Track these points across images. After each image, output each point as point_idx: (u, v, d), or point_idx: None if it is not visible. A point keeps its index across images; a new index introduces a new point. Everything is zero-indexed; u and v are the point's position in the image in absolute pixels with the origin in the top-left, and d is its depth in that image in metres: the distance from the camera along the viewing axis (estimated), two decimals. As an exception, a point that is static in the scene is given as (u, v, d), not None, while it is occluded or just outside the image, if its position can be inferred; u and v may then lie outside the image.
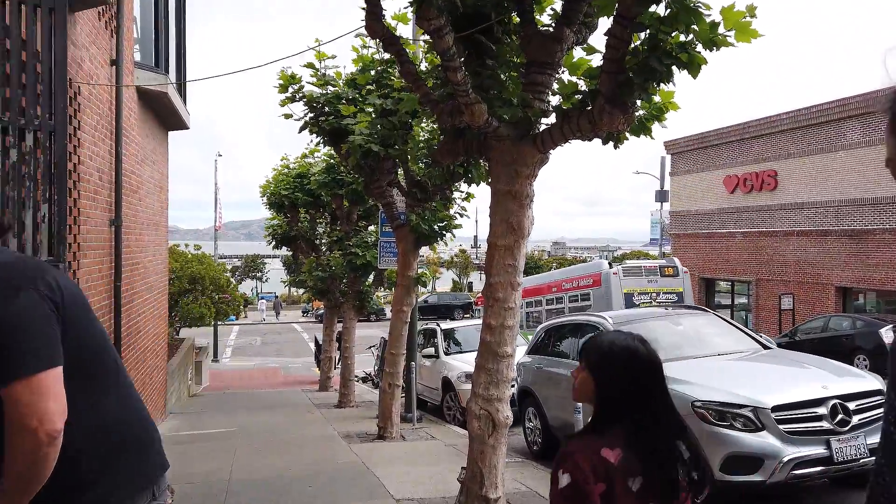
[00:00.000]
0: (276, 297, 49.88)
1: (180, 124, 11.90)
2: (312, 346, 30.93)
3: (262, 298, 53.47)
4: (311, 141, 8.65)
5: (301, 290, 52.22)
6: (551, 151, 4.64)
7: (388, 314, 42.34)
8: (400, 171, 8.83)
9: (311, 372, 24.36)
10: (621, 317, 8.02)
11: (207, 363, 23.36)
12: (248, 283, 53.35)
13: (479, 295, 30.66)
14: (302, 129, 8.65)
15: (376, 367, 20.71)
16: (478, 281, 61.30)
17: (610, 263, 17.74)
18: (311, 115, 8.59)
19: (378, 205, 13.38)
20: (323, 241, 14.82)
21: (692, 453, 1.75)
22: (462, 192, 8.97)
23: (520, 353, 7.20)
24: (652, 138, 4.68)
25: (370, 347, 19.63)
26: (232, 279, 23.89)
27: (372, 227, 13.16)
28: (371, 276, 13.57)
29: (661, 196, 35.01)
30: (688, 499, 1.73)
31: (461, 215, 9.02)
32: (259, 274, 53.52)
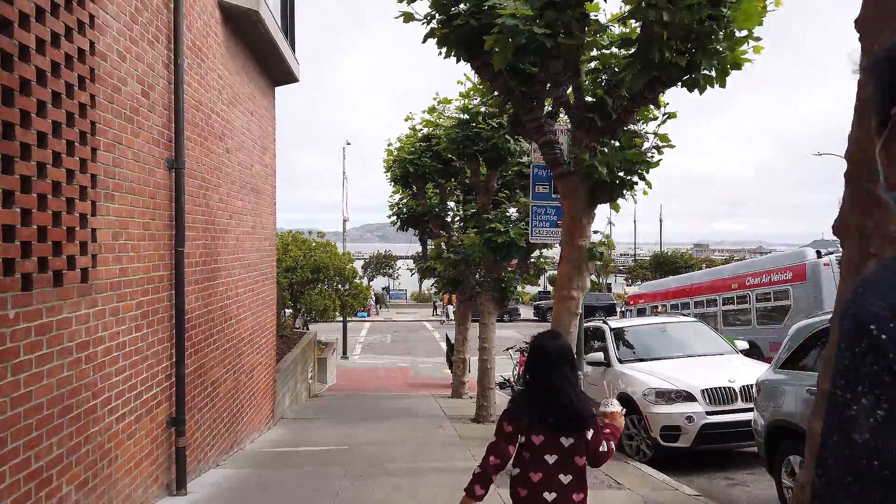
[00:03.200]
0: (383, 289, 48.61)
1: (286, 72, 9.87)
2: (444, 345, 28.95)
3: (393, 296, 52.68)
4: (440, 53, 6.10)
5: (429, 283, 50.78)
6: None
7: (523, 313, 39.57)
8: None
9: (443, 373, 22.13)
10: None
11: (335, 360, 21.83)
12: (380, 281, 52.77)
13: (629, 295, 26.95)
14: (427, 37, 6.11)
15: (515, 373, 18.06)
16: (615, 282, 56.64)
17: (818, 252, 13.70)
18: (440, 14, 6.03)
19: (523, 170, 10.68)
20: (455, 217, 12.29)
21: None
22: (657, 115, 6.00)
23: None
24: None
25: (508, 349, 16.93)
26: (358, 270, 22.19)
27: (519, 201, 10.37)
28: (515, 260, 10.85)
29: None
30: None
31: (659, 149, 6.05)
32: (390, 271, 52.68)
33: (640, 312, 22.65)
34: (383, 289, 53.47)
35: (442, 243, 11.79)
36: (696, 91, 5.05)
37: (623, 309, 26.10)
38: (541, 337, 3.16)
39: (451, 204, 12.39)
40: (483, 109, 9.72)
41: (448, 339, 21.31)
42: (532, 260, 11.25)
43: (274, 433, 9.61)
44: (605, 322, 10.18)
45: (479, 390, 11.09)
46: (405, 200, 13.18)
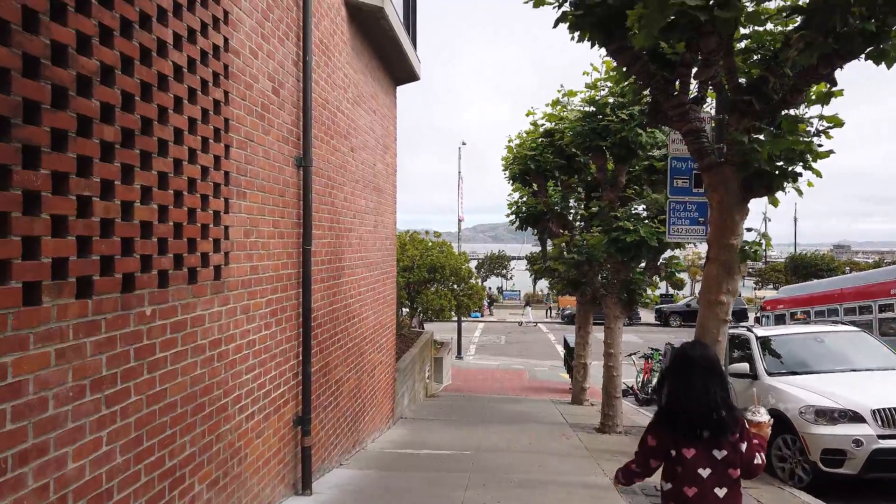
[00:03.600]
0: (497, 290, 47.98)
1: (407, 70, 9.80)
2: (560, 348, 28.18)
3: (506, 297, 52.27)
4: (573, 38, 5.66)
5: (544, 285, 49.80)
6: None
7: (643, 317, 37.73)
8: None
9: (559, 378, 21.48)
10: None
11: (450, 360, 21.82)
12: (493, 281, 52.57)
13: (766, 300, 24.89)
14: (558, 21, 5.69)
15: (639, 380, 17.13)
16: (742, 285, 52.71)
17: None
18: (573, -3, 5.59)
19: (654, 164, 9.95)
20: (578, 215, 11.71)
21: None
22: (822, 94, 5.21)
23: None
24: None
25: (630, 355, 16.06)
26: (473, 270, 22.02)
27: (650, 197, 9.66)
28: (643, 262, 10.15)
29: None
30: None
31: (826, 133, 5.26)
32: (504, 271, 52.37)
33: (779, 319, 20.78)
34: (497, 289, 53.25)
35: (564, 243, 11.27)
36: (882, 64, 4.28)
37: (759, 315, 24.15)
38: (687, 347, 3.09)
39: (573, 202, 11.80)
40: (611, 101, 9.14)
41: (566, 343, 20.61)
42: (662, 261, 10.47)
43: (394, 433, 9.57)
44: (749, 329, 9.24)
45: (604, 398, 10.48)
46: (524, 199, 12.77)
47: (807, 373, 7.74)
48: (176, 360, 3.49)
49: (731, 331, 10.90)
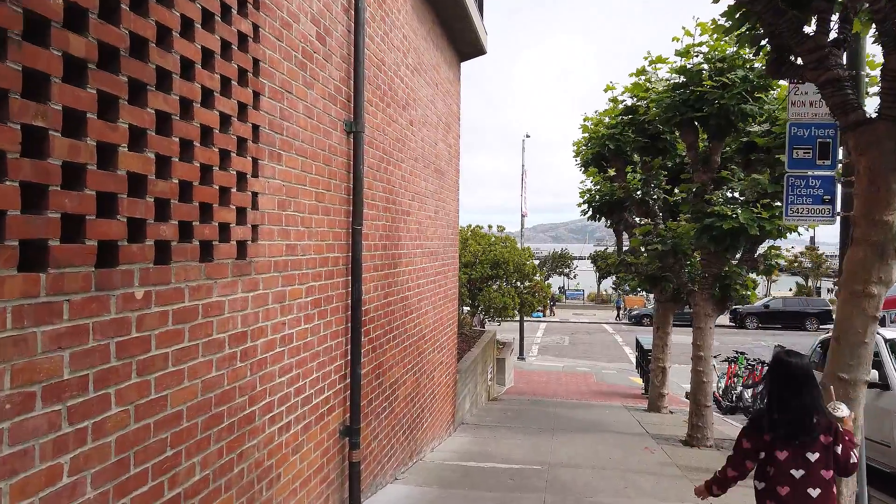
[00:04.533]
0: (559, 289, 46.31)
1: (473, 42, 8.89)
2: (629, 350, 26.70)
3: (569, 296, 50.75)
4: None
5: (608, 285, 47.86)
6: None
7: (718, 319, 35.86)
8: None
9: (630, 381, 20.16)
10: None
11: (512, 361, 20.82)
12: (555, 280, 51.07)
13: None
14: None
15: (721, 386, 15.68)
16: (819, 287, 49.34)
17: None
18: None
19: (754, 140, 8.66)
20: (660, 201, 10.48)
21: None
22: None
23: None
24: None
25: (726, 359, 14.66)
26: (538, 266, 20.91)
27: (754, 178, 8.40)
28: (739, 252, 8.90)
29: None
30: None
31: None
32: (567, 270, 50.71)
33: None
34: (559, 289, 51.77)
35: (645, 233, 10.10)
36: None
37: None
38: (785, 354, 3.20)
39: (655, 188, 10.57)
40: (705, 68, 7.94)
41: (638, 344, 19.28)
42: (760, 253, 9.17)
43: (455, 441, 8.68)
44: (878, 333, 7.86)
45: (691, 407, 9.28)
46: (598, 186, 11.62)
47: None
48: (181, 358, 2.69)
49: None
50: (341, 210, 4.64)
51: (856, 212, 4.44)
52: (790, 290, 47.35)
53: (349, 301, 4.76)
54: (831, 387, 4.37)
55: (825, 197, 5.86)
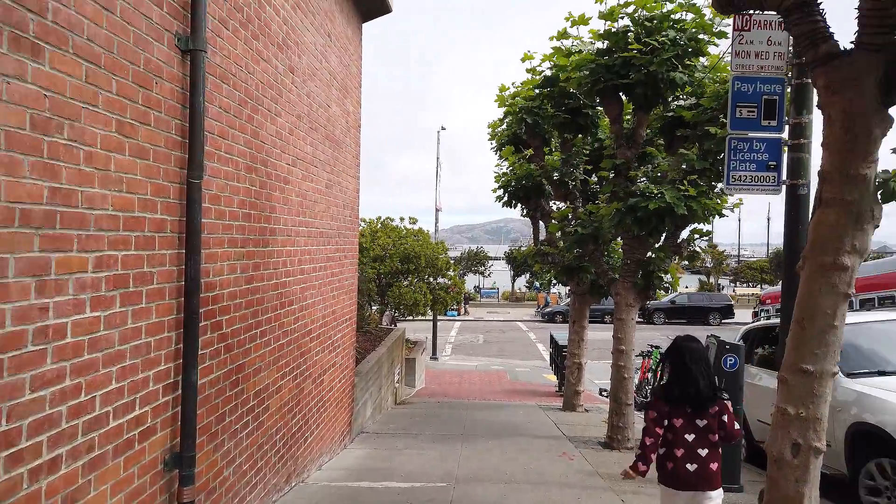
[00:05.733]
0: (474, 288, 45.92)
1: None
2: (542, 348, 26.28)
3: (484, 295, 50.46)
4: None
5: (522, 283, 47.83)
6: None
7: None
8: None
9: (543, 379, 19.58)
10: None
11: (424, 360, 19.78)
12: (470, 279, 50.57)
13: (766, 293, 23.38)
14: None
15: (635, 382, 15.23)
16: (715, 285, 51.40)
17: None
18: None
19: (680, 113, 7.96)
20: (580, 183, 9.64)
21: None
22: None
23: None
24: None
25: (640, 354, 14.15)
26: (452, 261, 19.93)
27: (682, 154, 7.67)
28: (663, 236, 8.19)
29: None
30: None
31: None
32: (482, 269, 50.27)
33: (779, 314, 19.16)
34: (475, 287, 51.35)
35: (565, 216, 9.25)
36: None
37: (758, 309, 22.58)
38: (682, 339, 3.85)
39: (576, 167, 9.71)
40: (632, 30, 7.13)
41: (553, 340, 18.69)
42: (683, 237, 8.51)
43: (350, 455, 7.47)
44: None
45: (612, 406, 8.51)
46: (513, 169, 10.70)
47: (897, 375, 5.83)
48: None
49: (773, 321, 9.03)
50: (170, 156, 3.35)
51: (826, 167, 3.61)
52: (686, 287, 48.83)
53: (182, 283, 3.48)
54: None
55: (770, 163, 5.12)
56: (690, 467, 3.56)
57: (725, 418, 3.64)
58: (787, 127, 5.25)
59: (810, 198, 5.12)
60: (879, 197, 3.52)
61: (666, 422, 3.65)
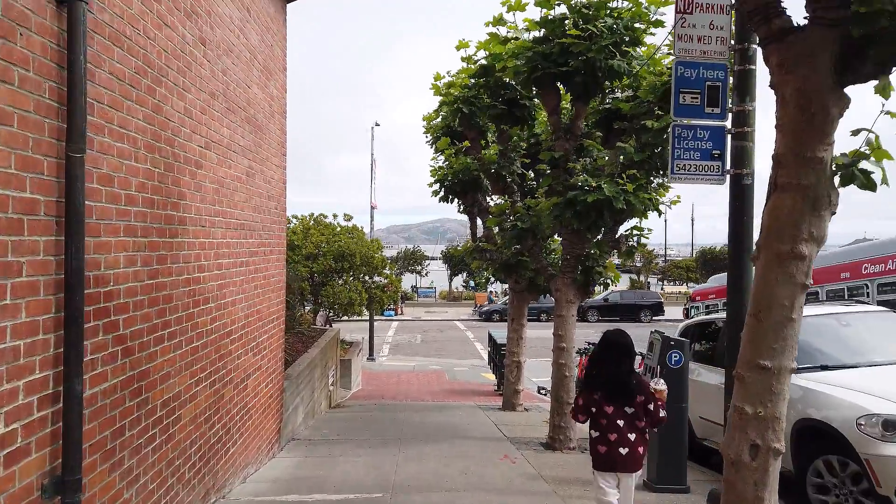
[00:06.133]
0: (412, 287, 45.88)
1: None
2: (480, 347, 26.12)
3: (421, 294, 50.16)
4: None
5: (459, 283, 47.80)
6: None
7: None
8: None
9: (482, 378, 19.37)
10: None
11: (361, 362, 19.21)
12: (407, 278, 50.10)
13: (695, 291, 24.01)
14: None
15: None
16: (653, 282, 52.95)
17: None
18: None
19: (619, 106, 7.83)
20: (518, 177, 9.40)
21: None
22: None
23: None
24: None
25: (578, 351, 14.04)
26: (388, 259, 19.47)
27: (622, 147, 7.51)
28: (602, 231, 8.04)
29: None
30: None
31: None
32: (419, 268, 49.88)
33: (711, 310, 19.77)
34: (412, 287, 50.93)
35: (503, 211, 8.98)
36: None
37: (688, 306, 23.13)
38: (612, 334, 4.19)
39: (514, 159, 9.44)
40: (569, 17, 6.91)
41: (491, 338, 18.49)
42: (622, 233, 8.39)
43: (279, 466, 6.94)
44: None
45: (553, 405, 8.30)
46: (449, 163, 10.37)
47: (842, 367, 5.80)
48: None
49: (711, 316, 9.04)
50: (42, 124, 2.82)
51: (780, 150, 3.41)
52: (617, 285, 50.27)
53: (62, 275, 2.94)
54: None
55: (714, 152, 4.97)
56: (623, 451, 3.97)
57: (651, 407, 4.02)
58: (730, 115, 5.11)
59: (755, 188, 5.00)
60: (837, 181, 3.35)
61: (594, 409, 4.05)
